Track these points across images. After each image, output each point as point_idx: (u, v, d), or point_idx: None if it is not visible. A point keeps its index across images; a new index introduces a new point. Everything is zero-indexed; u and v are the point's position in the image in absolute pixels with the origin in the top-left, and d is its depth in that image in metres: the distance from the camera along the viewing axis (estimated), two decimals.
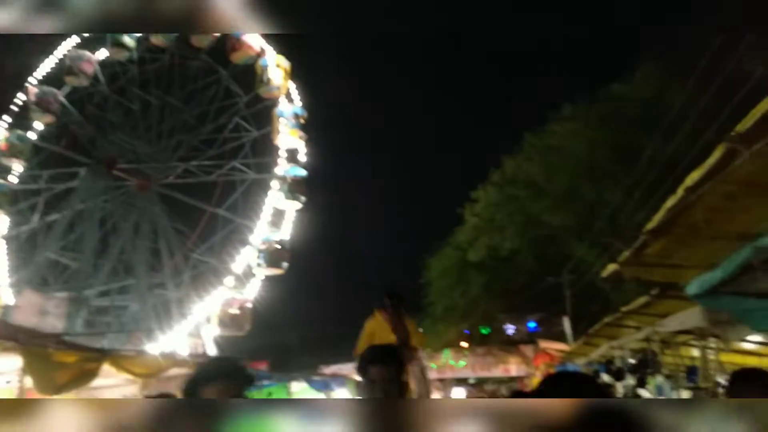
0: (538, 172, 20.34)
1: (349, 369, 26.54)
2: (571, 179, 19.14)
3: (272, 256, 23.92)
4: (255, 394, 14.55)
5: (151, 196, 28.37)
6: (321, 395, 17.47)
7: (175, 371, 13.41)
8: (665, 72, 18.55)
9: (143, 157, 28.71)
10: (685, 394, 7.99)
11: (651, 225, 4.34)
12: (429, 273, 25.64)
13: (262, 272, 24.05)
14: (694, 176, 3.55)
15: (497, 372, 25.69)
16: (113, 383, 12.23)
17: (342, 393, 17.78)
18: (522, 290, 23.23)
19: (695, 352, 7.98)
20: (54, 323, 21.01)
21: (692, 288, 5.55)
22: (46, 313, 21.79)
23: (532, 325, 27.47)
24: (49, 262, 27.13)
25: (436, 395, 30.58)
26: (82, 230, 27.35)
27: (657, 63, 19.23)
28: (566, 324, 19.38)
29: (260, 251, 23.97)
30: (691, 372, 7.86)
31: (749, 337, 6.81)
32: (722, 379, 7.01)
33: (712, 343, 6.52)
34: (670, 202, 3.95)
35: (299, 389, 17.30)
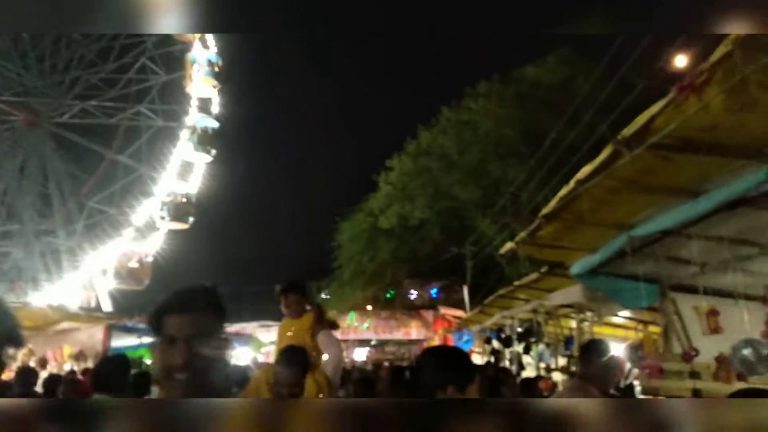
0: (451, 145, 21.01)
1: (252, 328, 26.47)
2: (481, 155, 19.99)
3: (177, 210, 23.03)
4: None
5: (41, 135, 26.03)
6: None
7: (65, 325, 12.78)
8: (577, 59, 19.65)
9: (33, 91, 26.13)
10: (561, 361, 8.92)
11: (545, 210, 4.78)
12: (340, 237, 25.92)
13: (166, 226, 23.14)
14: (584, 170, 3.95)
15: (398, 335, 26.77)
16: None
17: (245, 352, 17.80)
18: (427, 258, 24.20)
19: (573, 324, 8.89)
20: None
21: (575, 268, 6.21)
22: None
23: (434, 291, 28.74)
24: None
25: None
26: None
27: (570, 49, 20.30)
28: (465, 292, 20.52)
29: (164, 204, 22.96)
30: (568, 341, 8.76)
31: (619, 313, 7.72)
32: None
33: (588, 316, 7.31)
34: (563, 191, 4.37)
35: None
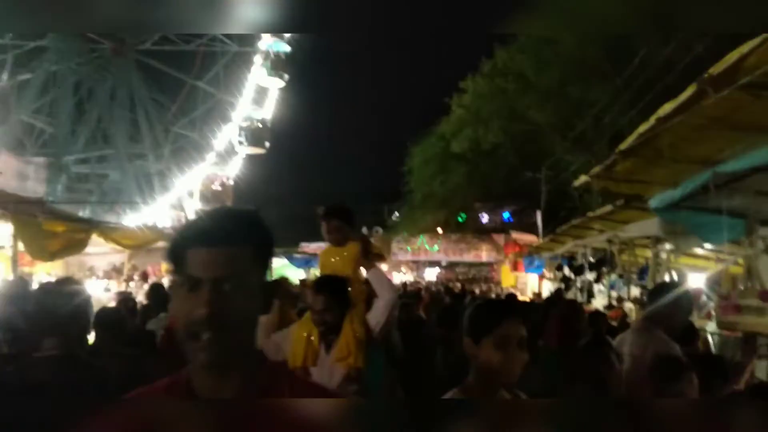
0: (529, 65, 20.02)
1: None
2: (561, 75, 18.97)
3: (254, 135, 23.90)
4: None
5: (128, 62, 27.30)
6: (301, 271, 18.55)
7: (161, 244, 14.04)
8: None
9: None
10: (634, 291, 8.89)
11: (623, 146, 4.67)
12: (411, 161, 26.01)
13: (244, 150, 24.15)
14: (666, 107, 3.82)
15: (469, 257, 27.17)
16: (102, 251, 12.83)
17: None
18: (500, 183, 23.92)
19: (649, 254, 8.76)
20: (35, 188, 21.17)
21: (654, 202, 6.05)
22: (25, 177, 21.86)
23: (506, 215, 28.61)
24: (23, 125, 26.60)
25: (407, 275, 32.44)
26: (55, 93, 26.55)
27: None
28: (538, 217, 20.30)
29: (242, 129, 23.85)
30: (643, 272, 8.66)
31: (699, 248, 7.51)
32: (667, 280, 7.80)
33: (665, 248, 7.18)
34: (643, 127, 4.25)
35: (280, 265, 18.29)
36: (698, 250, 8.28)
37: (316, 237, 30.60)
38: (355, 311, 2.80)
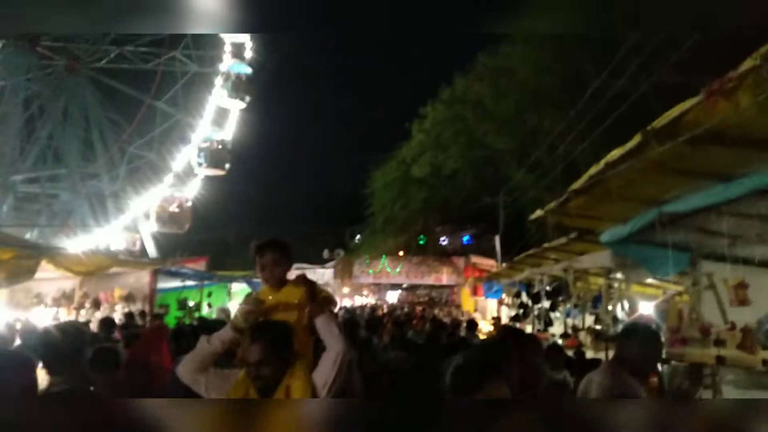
0: (486, 93, 20.60)
1: (291, 269, 27.53)
2: (517, 104, 19.58)
3: (213, 156, 23.54)
4: (195, 293, 15.07)
5: (82, 80, 26.61)
6: None
7: (115, 269, 13.60)
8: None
9: (71, 36, 26.46)
10: (589, 319, 9.15)
11: (575, 186, 4.87)
12: (373, 184, 26.15)
13: (203, 172, 23.75)
14: (614, 154, 4.02)
15: (429, 280, 27.40)
16: (51, 276, 12.32)
17: None
18: (459, 208, 24.31)
19: (602, 281, 9.05)
20: None
21: (605, 237, 6.32)
22: None
23: (465, 239, 29.09)
24: None
25: (368, 298, 32.29)
26: (4, 109, 25.57)
27: None
28: (497, 242, 20.70)
29: (201, 150, 23.48)
30: (596, 300, 8.96)
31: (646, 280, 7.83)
32: (619, 310, 8.09)
33: (617, 279, 7.46)
34: (593, 170, 4.45)
35: (239, 289, 17.93)
36: (649, 280, 8.64)
37: None
38: (298, 365, 2.38)
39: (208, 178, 24.34)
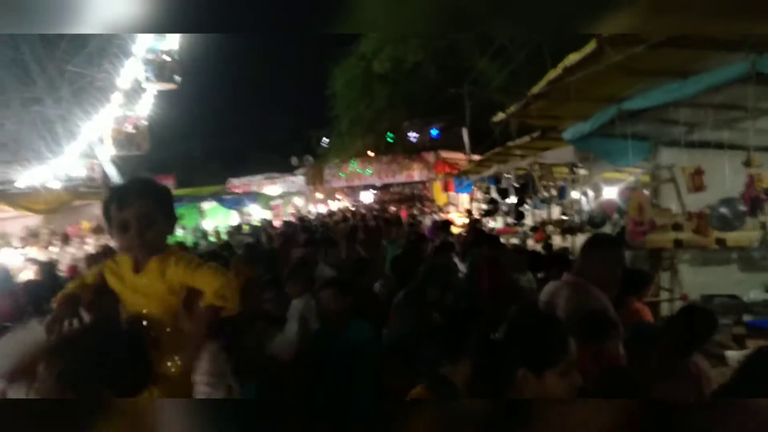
0: None
1: (259, 181, 27.34)
2: None
3: (162, 69, 22.23)
4: None
5: None
6: (233, 213, 18.26)
7: (77, 203, 13.35)
8: None
9: None
10: (555, 210, 9.47)
11: (534, 90, 4.82)
12: (334, 84, 25.34)
13: (153, 87, 22.56)
14: (571, 58, 3.95)
15: (401, 178, 27.55)
16: (13, 215, 12.06)
17: (255, 209, 18.62)
18: (425, 101, 23.92)
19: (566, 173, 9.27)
20: None
21: (567, 134, 6.36)
22: None
23: (434, 132, 28.87)
24: None
25: (342, 202, 32.60)
26: None
27: None
28: (465, 134, 20.66)
29: (147, 63, 22.11)
30: (562, 192, 9.21)
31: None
32: (584, 200, 8.35)
33: (579, 173, 7.64)
34: (551, 74, 4.39)
35: (210, 208, 17.90)
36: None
37: (243, 171, 29.88)
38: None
39: (161, 93, 23.22)
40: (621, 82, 4.41)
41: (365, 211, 23.84)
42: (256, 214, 18.28)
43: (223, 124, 38.83)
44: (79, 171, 22.64)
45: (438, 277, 3.66)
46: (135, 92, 22.83)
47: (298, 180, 27.47)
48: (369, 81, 24.15)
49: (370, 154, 27.37)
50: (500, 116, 6.49)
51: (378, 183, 31.32)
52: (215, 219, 17.51)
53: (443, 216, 16.32)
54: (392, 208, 23.79)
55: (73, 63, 24.80)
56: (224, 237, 13.17)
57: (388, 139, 28.09)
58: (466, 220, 13.43)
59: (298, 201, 26.74)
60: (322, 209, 28.34)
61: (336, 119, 26.27)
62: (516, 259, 5.02)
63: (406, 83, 23.54)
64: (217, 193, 17.48)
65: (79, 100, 24.58)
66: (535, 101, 5.13)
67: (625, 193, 7.91)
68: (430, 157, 26.05)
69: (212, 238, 13.49)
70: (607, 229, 7.67)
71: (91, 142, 23.63)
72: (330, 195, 31.26)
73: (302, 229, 11.85)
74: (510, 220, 10.45)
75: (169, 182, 28.88)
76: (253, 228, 12.85)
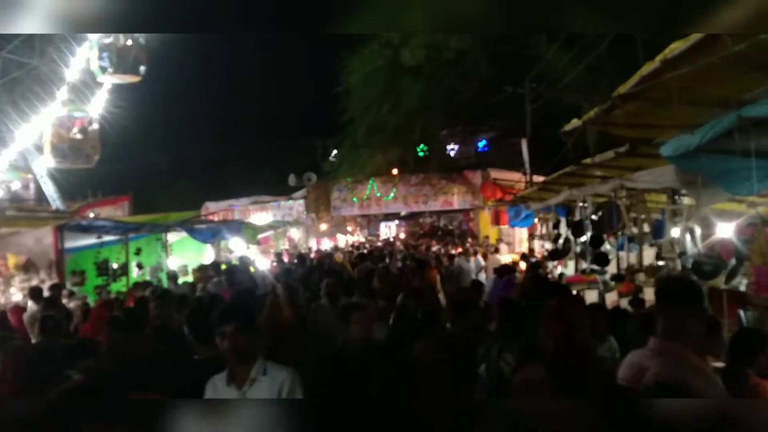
0: None
1: (244, 206, 27.67)
2: None
3: (122, 57, 22.88)
4: (118, 250, 15.19)
5: None
6: (208, 248, 18.42)
7: (4, 230, 13.65)
8: None
9: None
10: (648, 254, 9.39)
11: (621, 90, 4.85)
12: (349, 79, 25.67)
13: (110, 80, 23.17)
14: (674, 48, 3.98)
15: (436, 205, 27.62)
16: None
17: (237, 244, 18.76)
18: (471, 103, 24.11)
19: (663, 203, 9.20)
20: None
21: (666, 149, 6.34)
22: None
23: (481, 145, 29.08)
24: None
25: (356, 236, 32.71)
26: None
27: None
28: (524, 148, 20.70)
29: (104, 49, 22.78)
30: (657, 229, 9.15)
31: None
32: (688, 239, 8.28)
33: (683, 203, 7.61)
34: (647, 68, 4.42)
35: (177, 239, 18.09)
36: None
37: (224, 193, 30.22)
38: None
39: (120, 89, 23.81)
40: (742, 81, 4.42)
41: (393, 247, 23.88)
42: (240, 249, 18.41)
43: (199, 130, 39.36)
44: (7, 189, 23.19)
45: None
46: (86, 86, 23.46)
47: (297, 206, 27.74)
48: (396, 75, 24.44)
49: (394, 172, 27.54)
50: (574, 124, 6.52)
51: (404, 211, 31.53)
52: (184, 255, 17.69)
53: (495, 257, 16.29)
54: (421, 247, 23.80)
55: (9, 49, 25.71)
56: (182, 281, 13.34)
57: (420, 153, 28.27)
58: (524, 265, 13.38)
59: (296, 233, 26.95)
60: (327, 244, 28.49)
61: (350, 125, 26.53)
62: (593, 320, 4.95)
63: (445, 79, 23.75)
64: (187, 221, 17.61)
65: (12, 95, 25.37)
66: (622, 104, 5.16)
67: (746, 230, 7.82)
68: (476, 177, 26.16)
69: (186, 280, 13.62)
70: (720, 279, 7.57)
71: (24, 150, 24.29)
72: (338, 226, 31.48)
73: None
74: (585, 265, 10.37)
75: (122, 206, 29.43)
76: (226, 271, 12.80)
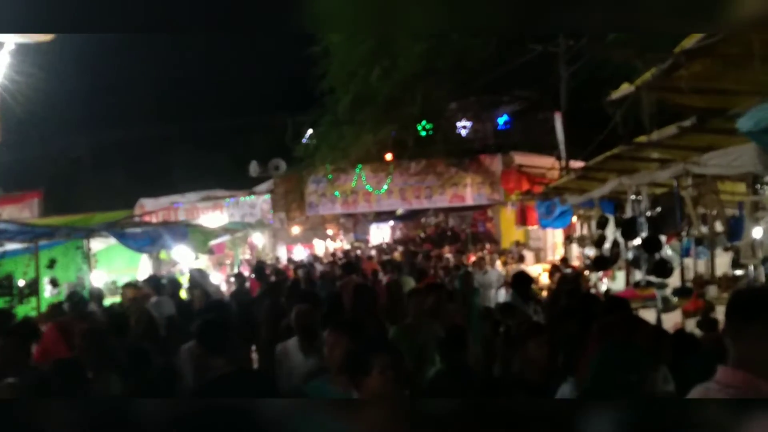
0: None
1: (192, 204, 27.59)
2: None
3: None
4: (25, 261, 15.14)
5: None
6: (144, 257, 18.37)
7: None
8: None
9: None
10: (722, 261, 9.41)
11: (686, 43, 4.86)
12: (329, 36, 25.56)
13: (13, 39, 23.18)
14: None
15: (443, 200, 27.58)
16: None
17: (182, 252, 18.72)
18: (487, 66, 24.07)
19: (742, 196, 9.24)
20: None
21: (745, 121, 6.38)
22: None
23: (501, 120, 29.03)
24: None
25: (337, 241, 32.71)
26: None
27: None
28: (558, 124, 20.71)
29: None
30: (735, 227, 9.17)
31: None
32: None
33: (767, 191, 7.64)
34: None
35: (104, 247, 18.03)
36: None
37: (164, 187, 30.17)
38: None
39: (26, 50, 23.81)
40: None
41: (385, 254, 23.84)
42: (186, 260, 18.37)
43: (132, 105, 39.07)
44: None
45: None
46: None
47: (260, 202, 27.67)
48: (389, 31, 24.39)
49: (388, 158, 27.48)
50: (624, 90, 6.53)
51: (401, 209, 31.46)
52: (112, 268, 17.64)
53: (519, 266, 16.30)
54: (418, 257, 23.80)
55: None
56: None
57: (422, 132, 28.17)
58: (557, 275, 13.40)
59: (259, 239, 26.87)
60: (301, 253, 28.43)
61: (329, 96, 26.45)
62: (652, 345, 4.95)
63: (454, 34, 23.74)
64: (117, 223, 17.55)
65: None
66: (688, 63, 5.17)
67: None
68: (494, 163, 26.14)
69: (112, 301, 13.58)
70: None
71: None
72: (315, 229, 31.43)
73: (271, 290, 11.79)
74: (639, 276, 10.40)
75: (30, 204, 29.26)
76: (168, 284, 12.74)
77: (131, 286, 12.10)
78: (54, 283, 15.53)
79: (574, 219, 15.97)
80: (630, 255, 10.81)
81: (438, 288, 8.74)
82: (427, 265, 18.34)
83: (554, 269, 14.60)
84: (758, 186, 7.90)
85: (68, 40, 23.60)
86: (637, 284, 10.67)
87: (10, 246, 14.05)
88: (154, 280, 12.95)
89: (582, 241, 15.85)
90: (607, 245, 12.15)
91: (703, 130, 7.07)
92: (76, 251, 16.76)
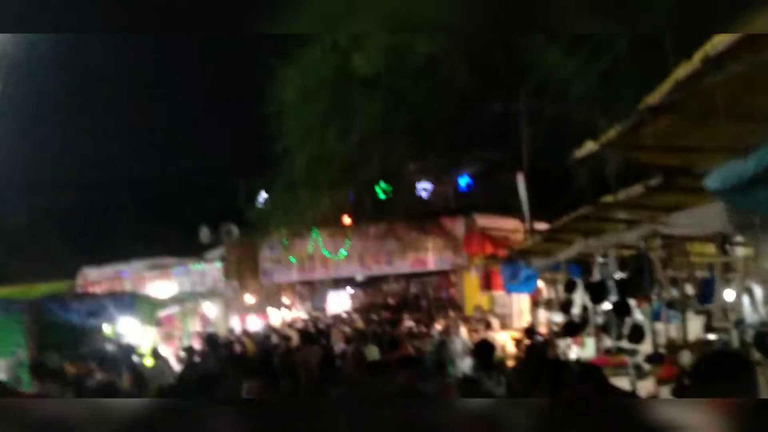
0: None
1: (138, 273, 27.29)
2: None
3: None
4: None
5: None
6: (89, 329, 18.07)
7: None
8: None
9: None
10: (695, 324, 9.47)
11: (651, 100, 4.93)
12: (282, 94, 25.63)
13: None
14: (717, 44, 4.06)
15: (404, 265, 27.61)
16: None
17: (128, 323, 18.45)
18: (448, 125, 24.26)
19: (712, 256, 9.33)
20: None
21: (713, 180, 6.46)
22: None
23: (463, 182, 29.18)
24: None
25: (294, 310, 32.55)
26: None
27: None
28: (521, 185, 20.85)
29: None
30: (705, 290, 9.25)
31: None
32: (746, 303, 8.38)
33: (737, 254, 7.72)
34: (682, 71, 4.50)
35: (45, 321, 17.73)
36: None
37: (110, 254, 29.94)
38: None
39: None
40: None
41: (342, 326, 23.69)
42: (132, 332, 18.12)
43: (73, 165, 38.79)
44: None
45: None
46: None
47: (212, 270, 27.47)
48: (346, 88, 24.54)
49: (347, 221, 27.49)
50: (588, 148, 6.59)
51: (360, 275, 31.37)
52: (52, 340, 17.33)
53: (483, 332, 16.25)
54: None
55: None
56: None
57: (381, 194, 28.23)
58: (526, 342, 13.38)
59: (211, 309, 26.61)
60: (256, 323, 28.15)
61: (283, 158, 26.46)
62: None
63: (412, 92, 23.92)
64: (57, 295, 17.34)
65: None
66: (652, 119, 5.24)
67: None
68: (456, 226, 26.28)
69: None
70: None
71: None
72: (271, 297, 31.22)
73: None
74: (610, 342, 10.42)
75: None
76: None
77: (73, 361, 11.89)
78: None
79: (541, 283, 16.00)
80: (599, 320, 10.86)
81: (413, 363, 8.69)
82: (398, 333, 18.32)
83: (528, 333, 14.54)
84: (727, 246, 7.97)
85: (15, 92, 23.52)
86: (608, 351, 10.69)
87: None
88: (97, 354, 12.74)
89: (549, 306, 15.87)
90: (576, 310, 12.19)
91: (671, 189, 7.15)
92: (14, 324, 16.45)
